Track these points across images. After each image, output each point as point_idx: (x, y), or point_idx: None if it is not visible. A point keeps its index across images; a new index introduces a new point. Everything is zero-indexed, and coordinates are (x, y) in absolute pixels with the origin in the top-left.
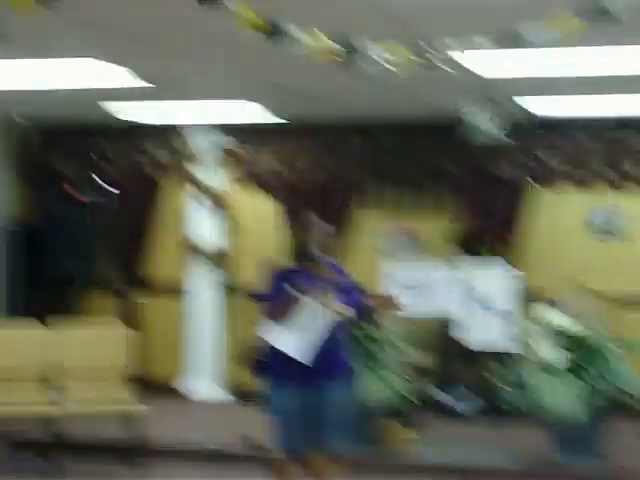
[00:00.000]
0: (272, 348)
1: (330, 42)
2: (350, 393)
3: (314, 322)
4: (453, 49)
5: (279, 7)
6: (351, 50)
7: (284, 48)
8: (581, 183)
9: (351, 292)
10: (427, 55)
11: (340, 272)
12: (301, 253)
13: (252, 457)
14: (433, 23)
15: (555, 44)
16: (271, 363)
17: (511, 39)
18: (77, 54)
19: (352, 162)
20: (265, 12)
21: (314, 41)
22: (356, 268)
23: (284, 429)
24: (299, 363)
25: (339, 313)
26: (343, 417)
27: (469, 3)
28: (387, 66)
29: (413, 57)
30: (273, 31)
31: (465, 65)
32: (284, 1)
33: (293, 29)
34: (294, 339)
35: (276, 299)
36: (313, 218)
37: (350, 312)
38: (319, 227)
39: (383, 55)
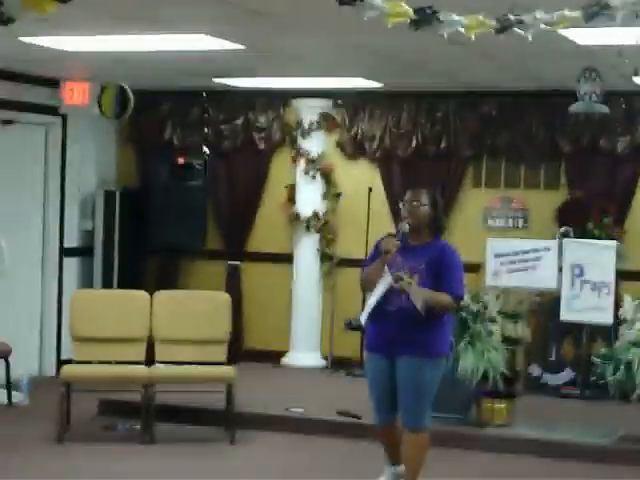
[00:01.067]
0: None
1: (404, 6)
2: (428, 367)
3: (381, 291)
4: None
5: None
6: (424, 13)
7: (361, 13)
8: None
9: (440, 270)
10: (503, 19)
11: (439, 249)
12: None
13: (345, 425)
14: None
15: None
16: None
17: (599, 10)
18: (190, 30)
19: (462, 135)
20: None
21: (387, 4)
22: (464, 243)
23: (373, 396)
24: (381, 333)
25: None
26: (420, 390)
27: None
28: (459, 29)
29: (487, 20)
30: None
31: (562, 32)
32: None
33: None
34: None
35: (369, 264)
36: (411, 194)
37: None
38: (418, 204)
39: (456, 18)
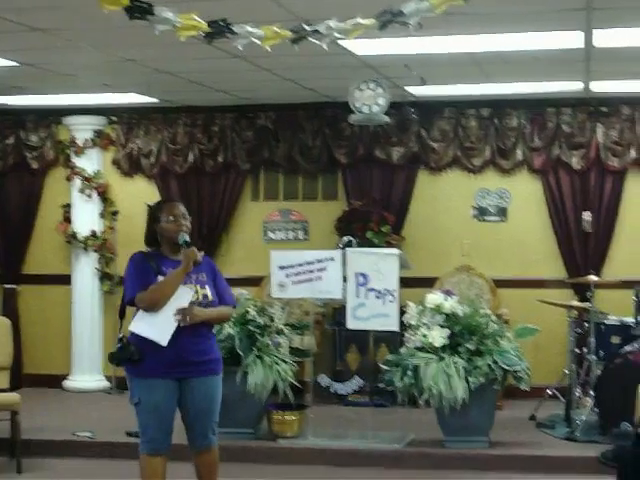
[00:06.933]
0: (140, 341)
1: (197, 19)
2: (219, 382)
3: (176, 306)
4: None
5: None
6: (218, 25)
7: (149, 26)
8: (465, 165)
9: (216, 283)
10: (297, 29)
11: (208, 262)
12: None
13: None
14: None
15: (432, 18)
16: (140, 356)
17: (392, 17)
18: None
19: (240, 149)
20: None
21: (180, 18)
22: (245, 256)
23: (157, 424)
24: (171, 355)
25: (205, 298)
26: (217, 407)
27: None
28: (254, 39)
29: (282, 31)
30: (135, 8)
31: (343, 44)
32: None
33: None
34: (156, 323)
35: (142, 283)
36: (179, 208)
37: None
38: (187, 218)
39: (251, 30)
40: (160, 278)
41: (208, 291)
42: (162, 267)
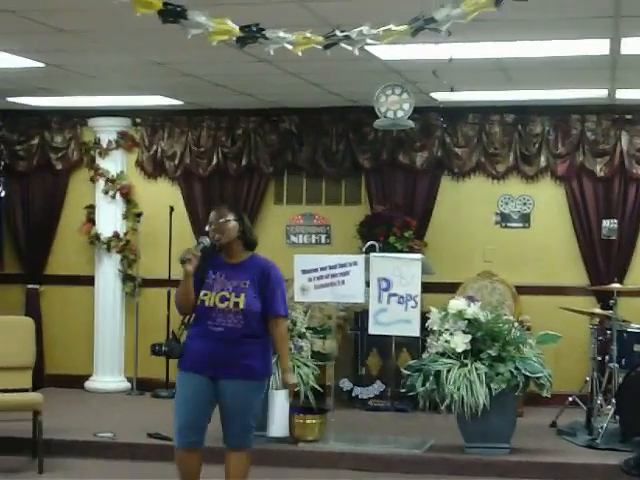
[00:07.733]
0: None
1: (229, 24)
2: (252, 388)
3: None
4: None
5: None
6: (250, 30)
7: (179, 30)
8: (488, 171)
9: (266, 291)
10: (330, 35)
11: (261, 268)
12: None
13: (156, 447)
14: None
15: (459, 24)
16: (180, 352)
17: (424, 24)
18: None
19: (263, 152)
20: None
21: (213, 22)
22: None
23: (184, 417)
24: (204, 353)
25: (236, 306)
26: (247, 412)
27: None
28: (285, 45)
29: (313, 36)
30: (168, 12)
31: (369, 49)
32: None
33: (191, 12)
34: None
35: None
36: (213, 214)
37: (256, 307)
38: (224, 220)
39: (283, 35)
40: (210, 274)
41: (242, 299)
42: (212, 268)
